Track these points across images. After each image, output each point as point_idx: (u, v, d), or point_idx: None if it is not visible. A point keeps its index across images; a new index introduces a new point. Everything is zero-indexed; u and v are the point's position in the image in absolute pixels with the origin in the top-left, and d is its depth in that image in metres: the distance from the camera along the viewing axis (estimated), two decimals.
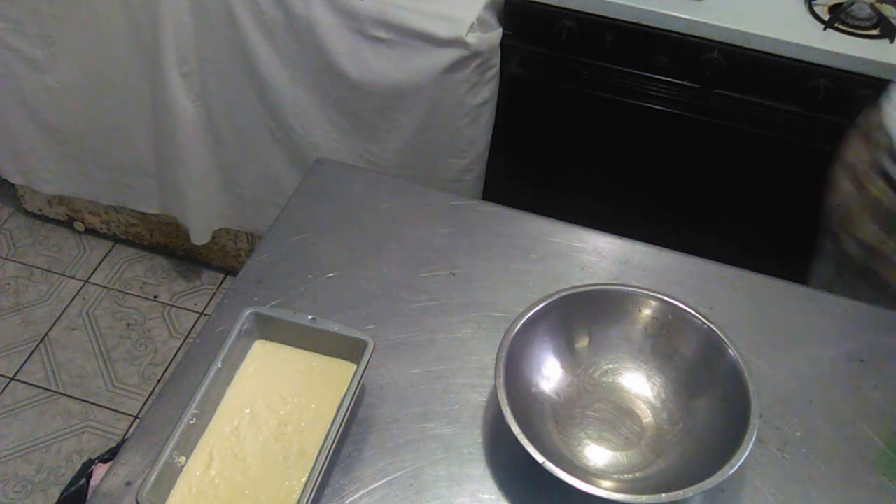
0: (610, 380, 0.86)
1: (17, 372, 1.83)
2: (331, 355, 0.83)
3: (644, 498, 0.69)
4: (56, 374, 1.83)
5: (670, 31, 1.38)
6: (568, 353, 0.86)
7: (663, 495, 0.69)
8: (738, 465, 0.71)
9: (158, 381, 1.84)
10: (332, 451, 0.73)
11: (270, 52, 1.48)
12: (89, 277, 2.04)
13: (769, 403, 0.85)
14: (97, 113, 1.71)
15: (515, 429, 0.72)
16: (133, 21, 1.52)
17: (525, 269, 0.98)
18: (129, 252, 2.11)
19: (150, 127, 1.69)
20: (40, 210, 2.13)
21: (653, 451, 0.80)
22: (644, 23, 1.39)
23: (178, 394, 0.83)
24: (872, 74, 1.30)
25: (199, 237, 1.82)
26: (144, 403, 1.80)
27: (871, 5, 1.38)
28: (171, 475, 0.73)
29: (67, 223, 2.13)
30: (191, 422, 0.75)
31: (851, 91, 1.33)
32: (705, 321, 0.82)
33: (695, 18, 1.36)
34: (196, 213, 1.77)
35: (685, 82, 1.44)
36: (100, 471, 1.43)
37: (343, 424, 0.75)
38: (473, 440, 0.81)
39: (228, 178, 1.74)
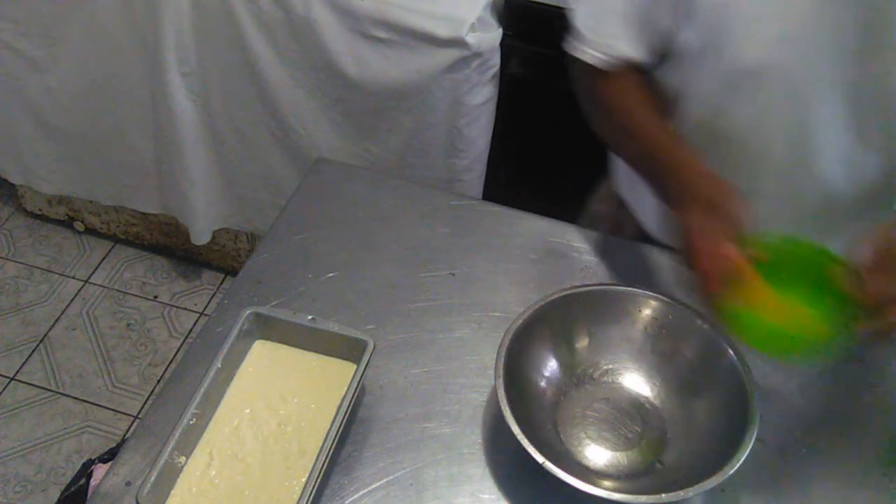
0: (610, 380, 0.86)
1: (17, 372, 1.83)
2: (331, 355, 0.83)
3: (644, 498, 0.69)
4: (56, 374, 1.83)
5: None
6: (568, 353, 0.86)
7: (663, 495, 0.69)
8: (738, 465, 0.71)
9: (158, 381, 1.84)
10: (332, 451, 0.73)
11: (270, 52, 1.48)
12: (89, 277, 2.04)
13: (769, 403, 0.85)
14: (97, 113, 1.71)
15: (515, 429, 0.72)
16: (133, 21, 1.52)
17: (525, 269, 0.98)
18: (129, 252, 2.11)
19: (150, 127, 1.69)
20: (40, 210, 2.13)
21: (653, 451, 0.80)
22: None
23: (178, 394, 0.83)
24: None
25: (199, 237, 1.82)
26: (144, 403, 1.80)
27: None
28: (171, 475, 0.73)
29: (67, 223, 2.13)
30: (191, 422, 0.75)
31: None
32: (705, 321, 0.82)
33: None
34: (196, 213, 1.77)
35: None
36: (100, 471, 1.43)
37: (343, 424, 0.75)
38: (473, 440, 0.81)
39: (228, 178, 1.74)
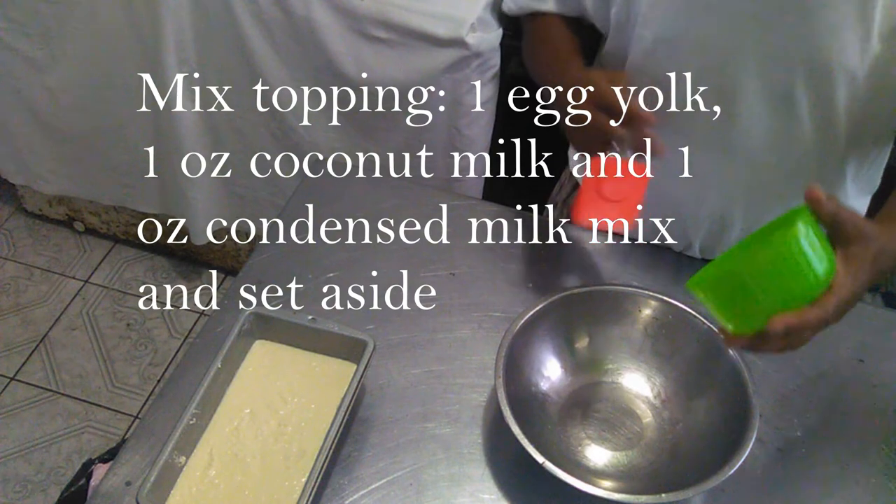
0: (610, 380, 0.86)
1: (17, 372, 1.83)
2: (331, 355, 0.83)
3: (644, 498, 0.69)
4: (56, 374, 1.83)
5: None
6: (568, 353, 0.86)
7: (663, 495, 0.69)
8: (738, 465, 0.71)
9: (158, 381, 1.84)
10: (332, 451, 0.73)
11: (270, 52, 1.48)
12: (89, 277, 2.04)
13: (769, 403, 0.85)
14: (97, 113, 1.71)
15: (515, 429, 0.72)
16: (133, 21, 1.52)
17: (525, 269, 0.98)
18: (129, 252, 2.11)
19: (150, 127, 1.69)
20: (40, 210, 2.13)
21: (653, 451, 0.80)
22: None
23: (178, 394, 0.83)
24: None
25: (199, 237, 1.82)
26: (144, 403, 1.80)
27: None
28: (171, 475, 0.73)
29: (67, 223, 2.13)
30: (191, 422, 0.75)
31: None
32: (705, 321, 0.82)
33: None
34: (196, 213, 1.77)
35: None
36: (100, 471, 1.43)
37: (343, 424, 0.75)
38: (473, 440, 0.81)
39: (228, 178, 1.74)
